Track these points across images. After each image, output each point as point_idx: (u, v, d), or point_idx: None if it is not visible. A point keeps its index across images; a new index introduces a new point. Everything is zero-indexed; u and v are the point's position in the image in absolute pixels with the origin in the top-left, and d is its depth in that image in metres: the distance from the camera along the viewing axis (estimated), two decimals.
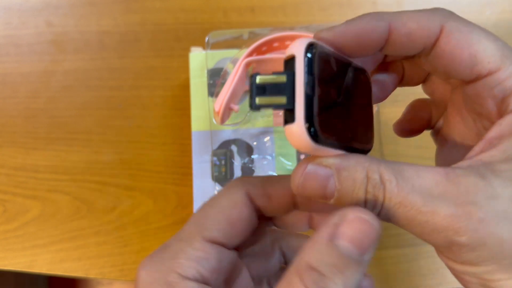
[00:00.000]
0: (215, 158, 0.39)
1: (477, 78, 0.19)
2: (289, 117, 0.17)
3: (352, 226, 0.16)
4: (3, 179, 0.43)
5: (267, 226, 0.24)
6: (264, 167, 0.40)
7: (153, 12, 0.47)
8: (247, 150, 0.40)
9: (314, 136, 0.17)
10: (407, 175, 0.17)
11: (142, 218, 0.41)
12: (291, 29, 0.39)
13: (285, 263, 0.25)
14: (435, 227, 0.17)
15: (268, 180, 0.22)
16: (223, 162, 0.39)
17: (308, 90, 0.17)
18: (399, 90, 0.24)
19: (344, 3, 0.47)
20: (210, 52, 0.41)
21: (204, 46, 0.42)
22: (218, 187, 0.39)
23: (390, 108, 0.41)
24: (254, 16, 0.47)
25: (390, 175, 0.17)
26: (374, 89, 0.23)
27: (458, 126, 0.23)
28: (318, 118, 0.17)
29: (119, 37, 0.46)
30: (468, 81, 0.20)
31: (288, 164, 0.40)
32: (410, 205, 0.17)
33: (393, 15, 0.19)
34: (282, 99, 0.17)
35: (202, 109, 0.41)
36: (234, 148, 0.40)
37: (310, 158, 0.18)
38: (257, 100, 0.17)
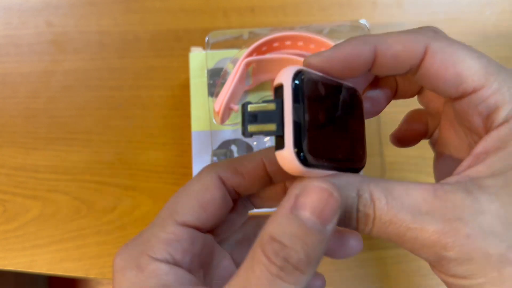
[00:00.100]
0: (215, 158, 0.39)
1: (463, 95, 0.19)
2: (279, 143, 0.18)
3: (313, 196, 0.17)
4: (3, 179, 0.43)
5: (248, 210, 0.25)
6: None
7: (153, 12, 0.47)
8: (247, 150, 0.40)
9: (303, 160, 0.17)
10: (396, 193, 0.18)
11: (142, 218, 0.41)
12: (291, 29, 0.39)
13: None
14: (424, 243, 0.17)
15: (237, 159, 0.23)
16: None
17: (296, 117, 0.18)
18: None
19: (344, 3, 0.47)
20: (210, 52, 0.41)
21: (204, 46, 0.42)
22: None
23: (390, 108, 0.41)
24: (254, 16, 0.47)
25: (380, 194, 0.18)
26: (368, 105, 0.24)
27: (451, 138, 0.23)
28: (306, 143, 0.17)
29: (119, 37, 0.46)
30: (454, 98, 0.20)
31: None
32: (399, 222, 0.17)
33: (378, 38, 0.20)
34: (272, 126, 0.18)
35: (202, 109, 0.41)
36: (234, 148, 0.40)
37: (297, 181, 0.18)
38: (249, 128, 0.19)
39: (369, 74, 0.22)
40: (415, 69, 0.20)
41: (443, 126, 0.24)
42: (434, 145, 0.26)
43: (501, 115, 0.19)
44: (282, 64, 0.39)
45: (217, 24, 0.46)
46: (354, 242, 0.22)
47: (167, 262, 0.20)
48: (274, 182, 0.23)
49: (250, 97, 0.41)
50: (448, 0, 0.47)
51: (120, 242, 0.41)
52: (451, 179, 0.19)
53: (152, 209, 0.41)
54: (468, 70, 0.19)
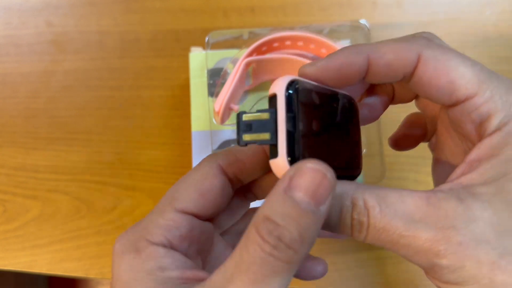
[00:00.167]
0: None
1: (456, 103, 0.20)
2: (273, 152, 0.18)
3: (306, 177, 0.17)
4: (3, 179, 0.43)
5: (249, 201, 0.25)
6: None
7: (153, 12, 0.47)
8: None
9: None
10: (390, 200, 0.18)
11: (142, 218, 0.41)
12: (291, 29, 0.39)
13: None
14: (417, 250, 0.18)
15: (237, 147, 0.23)
16: None
17: (289, 127, 0.18)
18: None
19: (344, 3, 0.47)
20: (210, 52, 0.41)
21: (204, 46, 0.42)
22: None
23: (390, 109, 0.41)
24: (254, 16, 0.47)
25: (374, 202, 0.18)
26: (365, 111, 0.24)
27: (448, 143, 0.23)
28: (299, 152, 0.18)
29: (119, 37, 0.46)
30: (448, 105, 0.20)
31: None
32: (392, 229, 0.18)
33: (371, 47, 0.20)
34: (266, 136, 0.19)
35: (202, 109, 0.41)
36: None
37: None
38: (244, 137, 0.19)
39: (364, 81, 0.23)
40: (408, 77, 0.20)
41: (440, 131, 0.24)
42: (432, 148, 0.26)
43: (494, 123, 0.19)
44: (282, 64, 0.39)
45: (217, 24, 0.46)
46: (320, 267, 0.23)
47: (164, 246, 0.20)
48: None
49: (250, 97, 0.41)
50: (448, 0, 0.47)
51: None
52: (445, 186, 0.19)
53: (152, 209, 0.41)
54: (461, 78, 0.19)
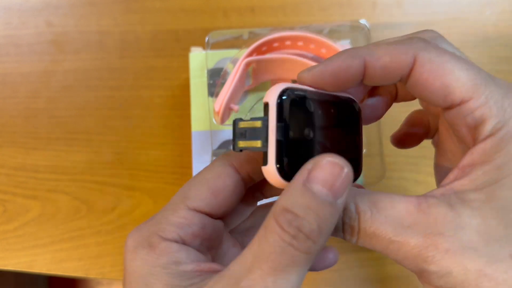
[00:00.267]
0: (215, 158, 0.39)
1: (451, 106, 0.20)
2: (264, 159, 0.19)
3: (324, 170, 0.17)
4: (3, 179, 0.43)
5: (256, 200, 0.25)
6: None
7: (153, 12, 0.47)
8: None
9: (286, 176, 0.18)
10: (381, 205, 0.19)
11: (142, 218, 0.41)
12: (291, 29, 0.39)
13: None
14: (406, 255, 0.18)
15: None
16: None
17: (279, 136, 0.18)
18: None
19: (344, 3, 0.47)
20: (210, 52, 0.41)
21: (204, 46, 0.42)
22: None
23: (390, 108, 0.41)
24: (254, 16, 0.47)
25: (365, 206, 0.19)
26: (368, 111, 0.24)
27: (448, 143, 0.23)
28: (288, 160, 0.18)
29: (119, 37, 0.46)
30: (444, 108, 0.20)
31: None
32: (382, 235, 0.18)
33: (368, 50, 0.20)
34: (258, 143, 0.19)
35: (202, 109, 0.41)
36: None
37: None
38: (238, 144, 0.20)
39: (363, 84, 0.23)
40: (405, 79, 0.20)
41: (441, 130, 0.24)
42: (435, 145, 0.26)
43: (487, 128, 0.19)
44: (282, 64, 0.39)
45: (217, 24, 0.46)
46: (331, 255, 0.23)
47: (177, 242, 0.20)
48: None
49: (250, 97, 0.41)
50: (448, 0, 0.47)
51: (120, 242, 0.41)
52: (437, 191, 0.19)
53: (152, 209, 0.41)
54: (456, 81, 0.19)
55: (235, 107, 0.37)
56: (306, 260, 0.17)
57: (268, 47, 0.39)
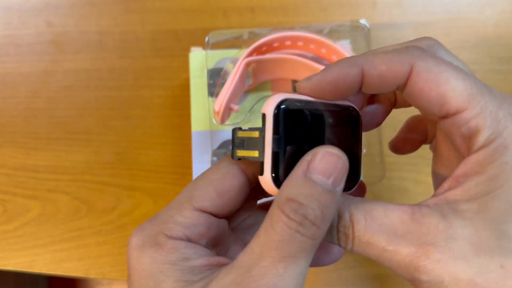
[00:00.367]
0: (215, 158, 0.39)
1: (447, 116, 0.20)
2: (261, 169, 0.20)
3: (322, 160, 0.18)
4: (3, 179, 0.43)
5: (256, 198, 0.26)
6: None
7: (153, 12, 0.47)
8: None
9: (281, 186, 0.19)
10: (375, 214, 0.19)
11: (142, 218, 0.41)
12: (291, 29, 0.39)
13: None
14: (398, 264, 0.19)
15: None
16: None
17: (276, 147, 0.19)
18: None
19: (344, 3, 0.47)
20: (210, 52, 0.41)
21: (204, 46, 0.42)
22: None
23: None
24: (254, 16, 0.47)
25: (359, 215, 0.19)
26: (368, 118, 0.24)
27: (445, 149, 0.24)
28: (284, 171, 0.19)
29: (119, 37, 0.46)
30: (439, 117, 0.20)
31: None
32: (376, 244, 0.19)
33: (365, 59, 0.20)
34: (256, 153, 0.20)
35: (202, 109, 0.41)
36: None
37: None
38: (237, 153, 0.21)
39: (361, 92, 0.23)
40: (402, 87, 0.21)
41: (438, 137, 0.24)
42: (433, 151, 0.26)
43: (481, 139, 0.19)
44: (282, 64, 0.39)
45: (217, 24, 0.46)
46: (337, 250, 0.24)
47: (182, 240, 0.20)
48: None
49: (250, 97, 0.41)
50: (448, 0, 0.47)
51: (120, 242, 0.41)
52: (431, 201, 0.20)
53: (152, 209, 0.41)
54: (451, 91, 0.19)
55: (235, 107, 0.37)
56: (312, 245, 0.18)
57: (268, 47, 0.39)
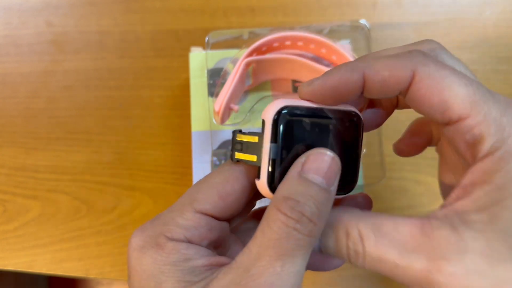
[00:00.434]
0: (215, 158, 0.39)
1: (449, 122, 0.20)
2: (258, 174, 0.20)
3: (316, 161, 0.19)
4: (3, 179, 0.43)
5: (256, 200, 0.25)
6: None
7: (153, 12, 0.47)
8: None
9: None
10: (385, 230, 0.19)
11: (142, 218, 0.41)
12: (291, 29, 0.39)
13: None
14: (411, 279, 0.18)
15: None
16: (223, 162, 0.39)
17: (273, 154, 0.20)
18: None
19: (344, 3, 0.47)
20: (210, 52, 0.41)
21: (204, 46, 0.42)
22: None
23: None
24: (254, 16, 0.47)
25: (369, 231, 0.19)
26: (368, 119, 0.25)
27: (450, 153, 0.23)
28: (280, 177, 0.20)
29: (119, 37, 0.46)
30: (443, 123, 0.20)
31: None
32: (387, 260, 0.19)
33: (367, 64, 0.20)
34: (254, 158, 0.21)
35: (202, 109, 0.41)
36: None
37: None
38: (235, 155, 0.21)
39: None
40: (404, 93, 0.20)
41: (443, 142, 0.24)
42: (439, 153, 0.26)
43: (485, 147, 0.19)
44: (282, 64, 0.39)
45: (217, 24, 0.46)
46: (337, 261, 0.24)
47: (183, 242, 0.21)
48: None
49: (250, 97, 0.41)
50: (448, 0, 0.47)
51: (120, 242, 0.41)
52: (440, 212, 0.19)
53: (152, 209, 0.42)
54: (454, 98, 0.19)
55: (235, 107, 0.37)
56: (309, 243, 0.18)
57: (268, 47, 0.39)
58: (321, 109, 0.21)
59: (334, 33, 0.41)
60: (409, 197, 0.41)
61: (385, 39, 0.46)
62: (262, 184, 0.20)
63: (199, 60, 0.42)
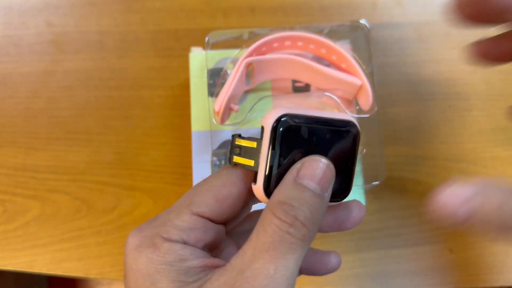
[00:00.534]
0: (215, 158, 0.39)
1: None
2: (255, 178, 0.21)
3: (311, 167, 0.20)
4: (3, 179, 0.43)
5: (251, 205, 0.26)
6: None
7: (153, 12, 0.47)
8: None
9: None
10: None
11: (142, 218, 0.41)
12: (291, 29, 0.39)
13: None
14: None
15: None
16: (223, 162, 0.39)
17: (271, 161, 0.20)
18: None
19: (344, 3, 0.47)
20: (210, 52, 0.41)
21: (204, 46, 0.42)
22: None
23: (390, 109, 0.41)
24: (254, 16, 0.47)
25: None
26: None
27: None
28: (276, 182, 0.20)
29: (119, 37, 0.46)
30: None
31: None
32: None
33: None
34: (251, 163, 0.21)
35: (202, 109, 0.41)
36: None
37: None
38: (234, 159, 0.22)
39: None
40: None
41: None
42: None
43: None
44: (282, 64, 0.39)
45: (217, 24, 0.46)
46: (334, 260, 0.24)
47: (179, 243, 0.21)
48: None
49: (250, 97, 0.41)
50: (448, 0, 0.47)
51: (120, 242, 0.41)
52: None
53: (152, 209, 0.42)
54: None
55: (235, 107, 0.37)
56: (302, 246, 0.19)
57: (268, 47, 0.39)
58: (319, 118, 0.21)
59: (334, 33, 0.41)
60: (409, 197, 0.41)
61: (385, 39, 0.46)
62: (258, 188, 0.21)
63: (199, 60, 0.42)
